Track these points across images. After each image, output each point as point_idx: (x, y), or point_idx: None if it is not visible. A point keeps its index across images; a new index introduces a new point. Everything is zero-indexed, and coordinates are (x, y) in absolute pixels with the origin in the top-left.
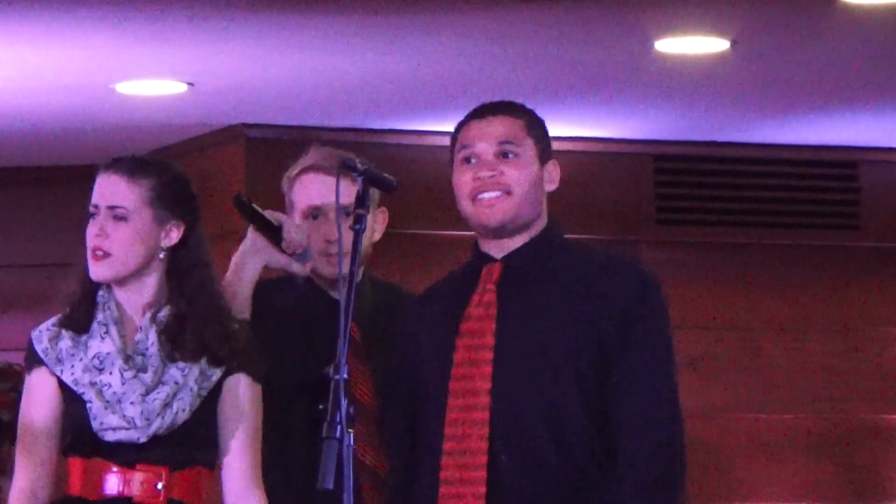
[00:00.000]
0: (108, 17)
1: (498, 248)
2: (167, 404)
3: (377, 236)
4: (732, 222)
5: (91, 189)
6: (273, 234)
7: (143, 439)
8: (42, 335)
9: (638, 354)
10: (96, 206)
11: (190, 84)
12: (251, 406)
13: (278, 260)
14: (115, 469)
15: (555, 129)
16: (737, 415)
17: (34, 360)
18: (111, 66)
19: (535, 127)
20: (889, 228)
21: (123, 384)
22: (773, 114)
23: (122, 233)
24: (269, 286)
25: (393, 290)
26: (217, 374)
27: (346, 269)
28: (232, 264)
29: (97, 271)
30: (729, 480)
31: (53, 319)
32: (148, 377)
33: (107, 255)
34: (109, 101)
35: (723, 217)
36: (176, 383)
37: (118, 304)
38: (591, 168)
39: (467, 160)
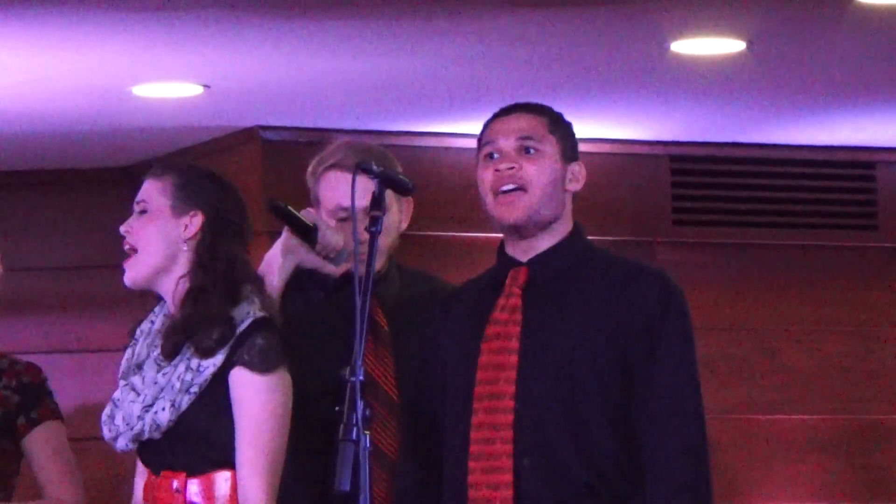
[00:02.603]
0: (124, 20)
1: (523, 251)
2: (148, 406)
3: (404, 226)
4: (749, 223)
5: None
6: (308, 235)
7: (129, 444)
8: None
9: (664, 366)
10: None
11: (206, 86)
12: (250, 397)
13: (311, 261)
14: (148, 477)
15: None
16: (753, 416)
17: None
18: (128, 69)
19: (559, 126)
20: None
21: (121, 394)
22: (790, 114)
23: (141, 225)
24: (303, 281)
25: (425, 279)
26: (209, 367)
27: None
28: (263, 262)
29: (126, 277)
30: (745, 481)
31: None
32: (138, 382)
33: (132, 250)
34: (127, 104)
35: (739, 218)
36: (155, 383)
37: (167, 313)
38: (608, 169)
39: (490, 156)
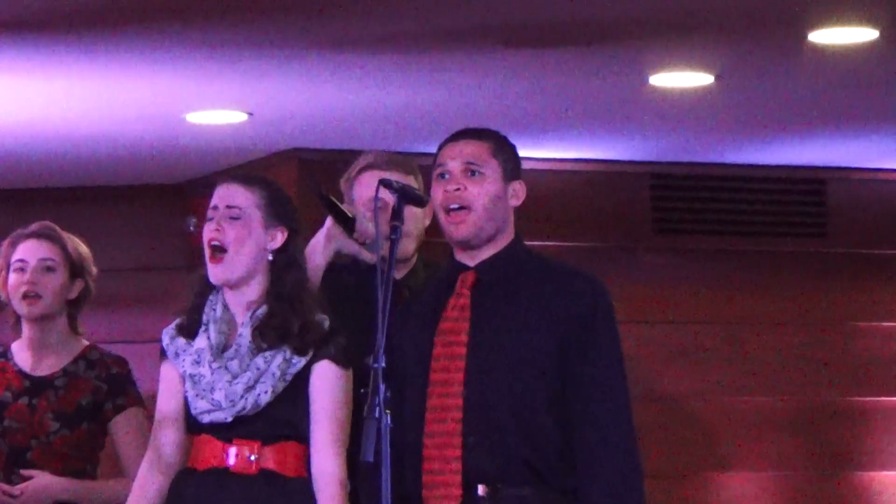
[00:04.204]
0: (179, 56)
1: (470, 257)
2: (250, 387)
3: (427, 221)
4: (719, 231)
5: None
6: (347, 224)
7: (229, 418)
8: (167, 332)
9: (596, 354)
10: (215, 208)
11: (250, 114)
12: (332, 386)
13: (350, 247)
14: (215, 444)
15: (564, 152)
16: (722, 397)
17: (162, 353)
18: (182, 99)
19: (502, 150)
20: (852, 237)
21: (212, 374)
22: (753, 138)
23: (236, 230)
24: (340, 268)
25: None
26: (301, 361)
27: (400, 251)
28: (309, 247)
29: (214, 274)
30: (715, 454)
31: (177, 320)
32: (234, 366)
33: (222, 250)
34: (180, 129)
35: (710, 227)
36: (258, 369)
37: (225, 305)
38: (597, 185)
39: (441, 176)
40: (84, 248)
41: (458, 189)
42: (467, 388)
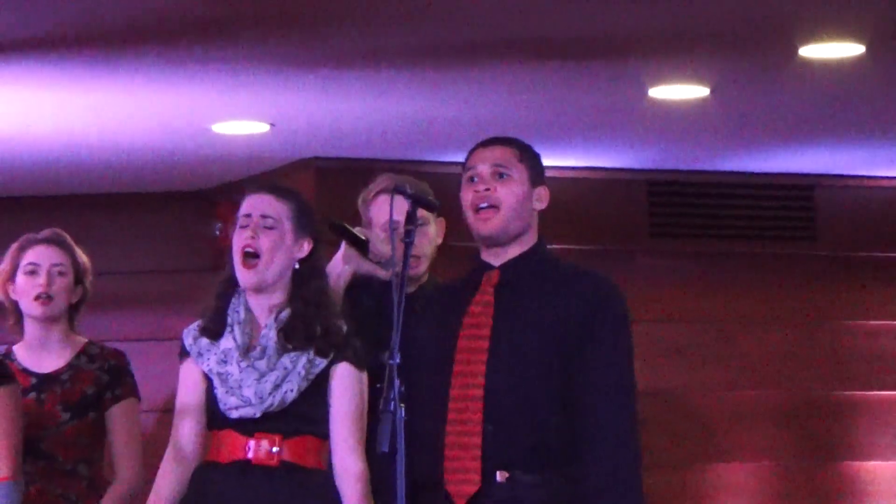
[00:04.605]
0: (205, 71)
1: (495, 257)
2: (277, 385)
3: (439, 241)
4: (712, 235)
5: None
6: (361, 247)
7: (258, 414)
8: (189, 332)
9: (601, 354)
10: (248, 216)
11: (272, 125)
12: (352, 387)
13: (366, 267)
14: (238, 438)
15: (567, 160)
16: (716, 391)
17: (184, 352)
18: (208, 110)
19: (528, 156)
20: (839, 240)
21: (241, 372)
22: (746, 147)
23: (270, 238)
24: (358, 287)
25: None
26: (323, 363)
27: (414, 270)
28: (327, 269)
29: (247, 278)
30: (711, 444)
31: (198, 321)
32: (262, 365)
33: (255, 256)
34: (206, 139)
35: (704, 231)
36: (285, 369)
37: (248, 308)
38: (598, 191)
39: (471, 179)
40: (86, 258)
41: (488, 189)
42: (488, 379)
